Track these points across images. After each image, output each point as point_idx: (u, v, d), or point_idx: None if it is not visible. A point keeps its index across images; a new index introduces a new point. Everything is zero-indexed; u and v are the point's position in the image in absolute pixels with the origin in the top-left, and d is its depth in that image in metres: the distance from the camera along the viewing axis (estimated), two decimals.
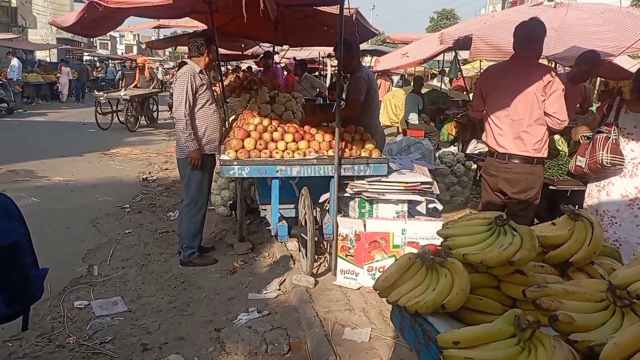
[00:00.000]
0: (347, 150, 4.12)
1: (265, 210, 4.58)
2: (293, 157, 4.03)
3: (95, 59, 35.88)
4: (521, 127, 3.52)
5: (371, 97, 4.75)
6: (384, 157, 4.21)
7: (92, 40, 44.26)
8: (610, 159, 3.40)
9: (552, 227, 1.80)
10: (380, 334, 3.25)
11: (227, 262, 4.58)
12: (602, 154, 3.41)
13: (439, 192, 4.50)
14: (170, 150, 9.94)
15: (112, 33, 46.75)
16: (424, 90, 10.67)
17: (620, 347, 1.14)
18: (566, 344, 1.22)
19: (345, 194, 4.16)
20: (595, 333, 1.27)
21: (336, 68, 4.47)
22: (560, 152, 4.16)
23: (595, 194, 3.59)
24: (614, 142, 3.40)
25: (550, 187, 3.96)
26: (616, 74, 7.68)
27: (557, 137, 4.18)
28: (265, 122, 4.31)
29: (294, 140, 4.14)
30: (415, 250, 1.86)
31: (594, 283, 1.50)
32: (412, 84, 11.14)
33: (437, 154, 6.39)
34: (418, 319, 1.63)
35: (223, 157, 4.05)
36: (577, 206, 1.91)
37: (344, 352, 3.05)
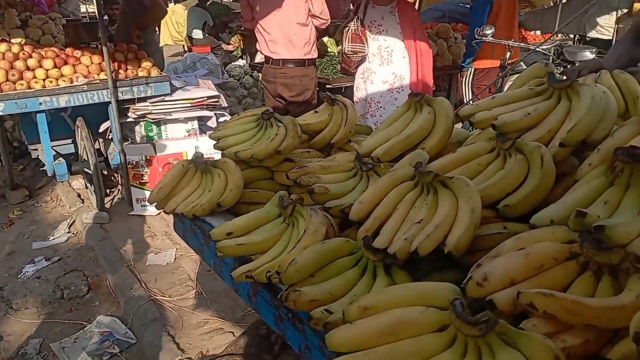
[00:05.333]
0: (121, 71, 3.80)
1: (36, 150, 4.05)
2: (58, 85, 3.59)
3: None
4: (291, 31, 3.63)
5: None
6: (165, 74, 3.99)
7: None
8: (352, 47, 3.69)
9: (315, 115, 1.93)
10: (186, 252, 3.25)
11: (0, 216, 4.00)
12: (345, 44, 3.70)
13: (227, 105, 4.47)
14: None
15: None
16: None
17: (364, 204, 1.30)
18: (321, 211, 1.35)
19: (128, 119, 3.88)
20: (346, 198, 1.42)
21: None
22: (329, 53, 4.42)
23: (362, 85, 3.92)
24: (353, 32, 3.67)
25: (327, 85, 4.22)
26: None
27: (325, 38, 4.41)
28: (15, 48, 3.69)
29: (55, 67, 3.65)
30: None
31: (346, 156, 1.66)
32: None
33: (225, 68, 6.29)
34: (197, 221, 1.64)
35: None
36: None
37: (149, 277, 3.00)
